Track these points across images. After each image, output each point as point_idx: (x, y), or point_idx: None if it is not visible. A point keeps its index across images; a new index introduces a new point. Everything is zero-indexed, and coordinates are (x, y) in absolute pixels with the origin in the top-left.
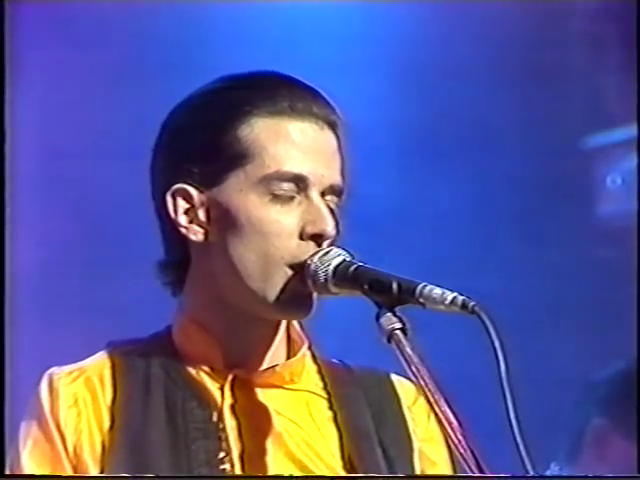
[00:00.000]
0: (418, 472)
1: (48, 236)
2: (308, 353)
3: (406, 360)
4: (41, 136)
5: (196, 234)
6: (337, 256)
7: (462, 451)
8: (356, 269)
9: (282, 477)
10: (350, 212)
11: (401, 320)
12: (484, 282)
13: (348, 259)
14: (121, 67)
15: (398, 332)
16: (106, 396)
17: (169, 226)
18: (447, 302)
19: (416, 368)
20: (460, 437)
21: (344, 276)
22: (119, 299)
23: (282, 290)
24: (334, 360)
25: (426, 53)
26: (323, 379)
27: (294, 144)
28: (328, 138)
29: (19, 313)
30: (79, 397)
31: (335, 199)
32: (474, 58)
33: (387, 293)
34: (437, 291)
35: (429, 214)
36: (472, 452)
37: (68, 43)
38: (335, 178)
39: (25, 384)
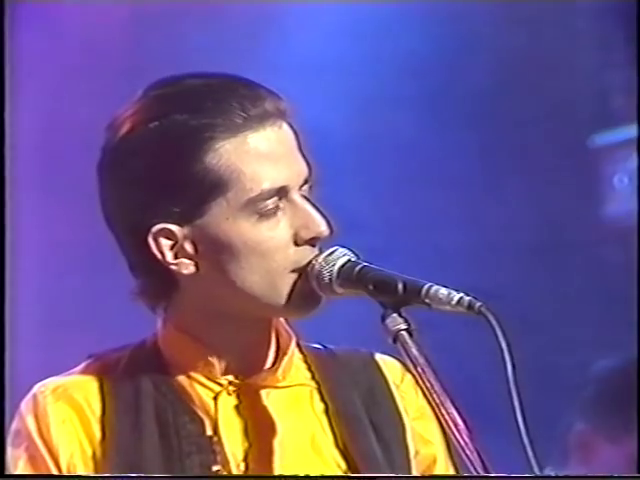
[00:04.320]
0: (412, 452)
1: (48, 236)
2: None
3: (412, 361)
4: (41, 136)
5: (187, 267)
6: (342, 256)
7: (468, 453)
8: (361, 269)
9: (282, 477)
10: (341, 217)
11: (407, 321)
12: (488, 282)
13: (353, 259)
14: (122, 67)
15: (404, 333)
16: (95, 410)
17: (152, 261)
18: (453, 303)
19: (422, 369)
20: (467, 439)
21: (349, 276)
22: (120, 300)
23: (290, 293)
24: (316, 345)
25: (428, 51)
26: (310, 369)
27: (266, 157)
28: (288, 134)
29: (19, 314)
30: (66, 416)
31: (307, 186)
32: (479, 56)
33: (392, 294)
34: (443, 291)
35: (430, 213)
36: (479, 454)
37: (69, 43)
38: (305, 170)
39: (25, 384)
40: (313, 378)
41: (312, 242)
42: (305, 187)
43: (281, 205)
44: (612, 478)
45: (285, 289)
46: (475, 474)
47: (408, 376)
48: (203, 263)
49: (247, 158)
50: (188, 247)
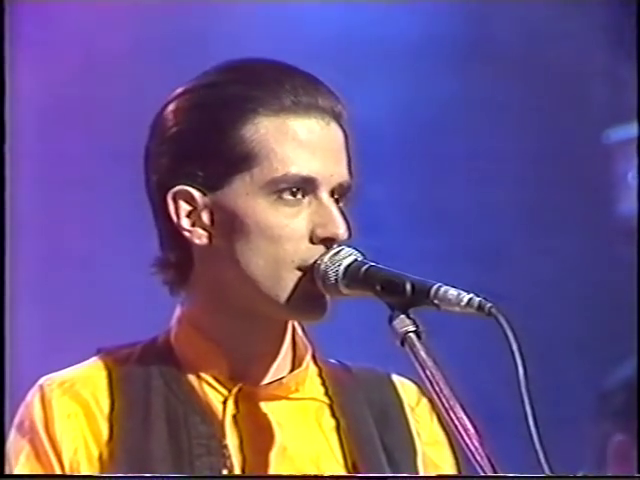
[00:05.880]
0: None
1: (49, 236)
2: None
3: (420, 364)
4: (41, 136)
5: (200, 237)
6: (348, 256)
7: (479, 459)
8: (368, 269)
9: (282, 477)
10: (357, 215)
11: (415, 322)
12: (498, 281)
13: (360, 259)
14: (122, 66)
15: (412, 335)
16: (102, 407)
17: (170, 227)
18: (463, 304)
19: (430, 373)
20: (477, 444)
21: (355, 276)
22: (120, 299)
23: (294, 292)
24: (332, 361)
25: (441, 49)
26: (324, 383)
27: (301, 144)
28: (334, 133)
29: (19, 312)
30: (71, 411)
31: (343, 196)
32: (493, 53)
33: (400, 294)
34: (452, 292)
35: (441, 212)
36: (489, 459)
37: (69, 43)
38: (343, 176)
39: (26, 383)
40: (326, 393)
41: (327, 242)
42: (340, 195)
43: (307, 198)
44: (612, 478)
45: (289, 284)
46: (473, 474)
47: (424, 400)
48: (216, 236)
49: (282, 139)
50: (205, 216)
